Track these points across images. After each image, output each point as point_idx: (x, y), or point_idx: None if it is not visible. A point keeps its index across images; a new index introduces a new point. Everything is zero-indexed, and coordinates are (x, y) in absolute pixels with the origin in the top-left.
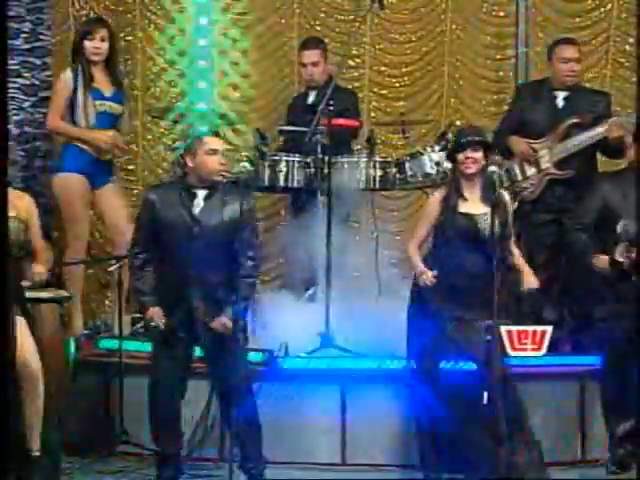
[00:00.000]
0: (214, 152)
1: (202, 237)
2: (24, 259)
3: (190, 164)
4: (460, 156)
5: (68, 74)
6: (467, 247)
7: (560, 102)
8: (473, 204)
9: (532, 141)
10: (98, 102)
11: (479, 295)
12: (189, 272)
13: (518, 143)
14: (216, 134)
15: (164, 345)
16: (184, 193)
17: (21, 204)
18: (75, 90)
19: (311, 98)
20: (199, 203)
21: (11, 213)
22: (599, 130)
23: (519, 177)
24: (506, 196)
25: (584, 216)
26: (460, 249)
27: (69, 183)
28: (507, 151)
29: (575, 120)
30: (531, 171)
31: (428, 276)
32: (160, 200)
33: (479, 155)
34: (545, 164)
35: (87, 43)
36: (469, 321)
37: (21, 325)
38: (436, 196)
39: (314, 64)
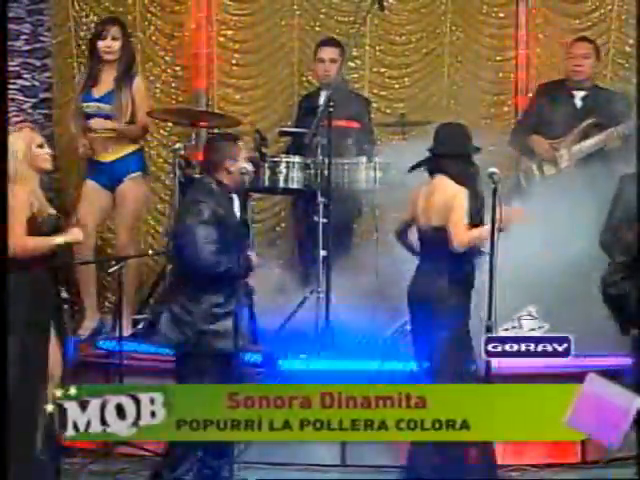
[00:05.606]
0: None
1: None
2: None
3: None
4: None
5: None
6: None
7: (578, 102)
8: None
9: (552, 141)
10: (85, 104)
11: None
12: None
13: (540, 142)
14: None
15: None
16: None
17: None
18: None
19: (322, 99)
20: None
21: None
22: (619, 130)
23: (538, 177)
24: (461, 193)
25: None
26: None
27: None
28: (527, 150)
29: (593, 120)
30: (550, 171)
31: None
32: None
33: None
34: (564, 163)
35: (99, 43)
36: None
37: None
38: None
39: (332, 60)
